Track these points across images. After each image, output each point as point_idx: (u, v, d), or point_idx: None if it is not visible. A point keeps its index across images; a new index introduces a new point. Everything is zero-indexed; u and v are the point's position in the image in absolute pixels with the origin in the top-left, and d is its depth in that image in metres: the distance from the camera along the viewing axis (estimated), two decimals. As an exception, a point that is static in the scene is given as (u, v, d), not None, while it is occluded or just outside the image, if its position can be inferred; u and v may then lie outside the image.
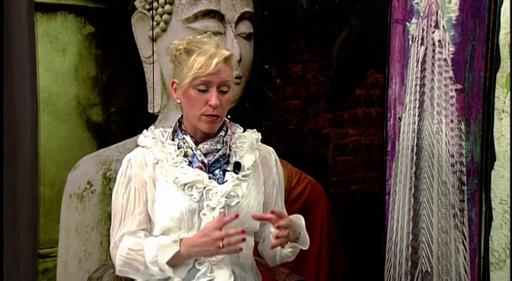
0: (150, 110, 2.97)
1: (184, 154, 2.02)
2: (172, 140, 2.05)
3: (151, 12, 2.94)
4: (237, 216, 1.89)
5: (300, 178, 3.10)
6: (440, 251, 2.38)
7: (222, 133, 2.04)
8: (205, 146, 2.02)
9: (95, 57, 2.90)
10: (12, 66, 2.61)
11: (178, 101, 2.02)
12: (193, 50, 1.96)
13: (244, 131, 2.11)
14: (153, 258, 1.92)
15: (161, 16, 2.95)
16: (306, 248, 2.05)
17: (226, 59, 1.96)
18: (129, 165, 2.03)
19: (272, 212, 1.93)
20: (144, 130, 2.09)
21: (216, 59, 1.93)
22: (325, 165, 3.19)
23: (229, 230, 1.87)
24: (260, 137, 2.11)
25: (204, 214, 1.96)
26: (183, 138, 2.03)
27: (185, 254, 1.91)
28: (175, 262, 1.92)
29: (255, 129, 2.12)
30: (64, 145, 2.85)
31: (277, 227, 1.92)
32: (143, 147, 2.06)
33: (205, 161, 2.01)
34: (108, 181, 2.91)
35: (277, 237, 1.93)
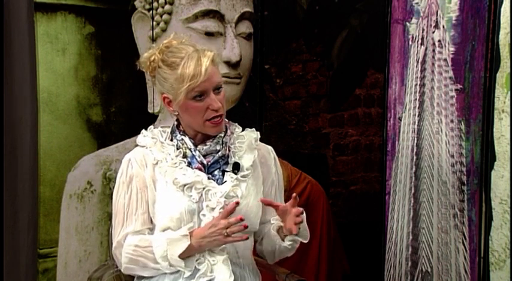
0: (150, 110, 2.97)
1: (183, 155, 2.02)
2: (171, 140, 2.05)
3: (151, 12, 2.94)
4: (239, 216, 1.88)
5: (300, 178, 3.10)
6: (440, 251, 2.38)
7: (222, 134, 2.04)
8: (204, 147, 2.01)
9: (95, 57, 2.90)
10: (12, 66, 2.61)
11: (176, 113, 2.01)
12: (175, 62, 1.93)
13: (243, 130, 2.11)
14: (163, 253, 1.92)
15: (161, 16, 2.95)
16: (306, 241, 2.05)
17: (212, 59, 1.94)
18: (130, 165, 2.02)
19: (295, 196, 1.93)
20: (143, 130, 2.09)
21: (204, 63, 1.91)
22: (325, 165, 3.19)
23: (230, 218, 1.88)
24: (259, 136, 2.10)
25: (204, 215, 1.97)
26: (182, 139, 2.03)
27: (196, 246, 1.92)
28: (185, 255, 1.93)
29: (253, 129, 2.11)
30: (64, 145, 2.85)
31: (296, 215, 1.92)
32: (142, 147, 2.06)
33: (205, 162, 2.01)
34: (108, 181, 2.91)
35: (295, 223, 1.92)
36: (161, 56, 1.97)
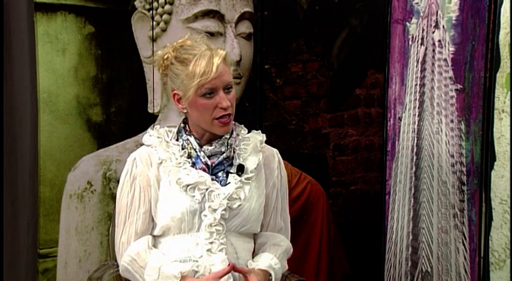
0: (150, 110, 2.97)
1: (188, 155, 2.02)
2: (177, 140, 2.05)
3: (151, 12, 2.94)
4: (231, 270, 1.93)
5: (300, 178, 3.10)
6: (440, 251, 2.38)
7: (227, 135, 2.04)
8: (209, 148, 2.02)
9: (95, 57, 2.90)
10: (12, 66, 2.60)
11: (185, 110, 2.02)
12: (188, 59, 1.95)
13: (248, 132, 2.11)
14: None
15: (161, 16, 2.95)
16: None
17: (224, 58, 1.96)
18: (135, 164, 2.03)
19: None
20: (149, 129, 2.09)
21: (216, 61, 1.93)
22: (325, 165, 3.19)
23: None
24: (264, 139, 2.11)
25: (205, 215, 1.97)
26: (187, 139, 2.03)
27: None
28: None
29: (259, 131, 2.12)
30: (64, 145, 2.85)
31: None
32: (148, 146, 2.06)
33: (209, 163, 2.01)
34: (108, 181, 2.91)
35: None
36: (174, 54, 1.98)
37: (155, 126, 2.10)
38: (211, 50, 1.96)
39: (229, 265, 1.93)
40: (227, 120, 1.98)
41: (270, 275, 2.02)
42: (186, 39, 2.02)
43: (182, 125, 2.07)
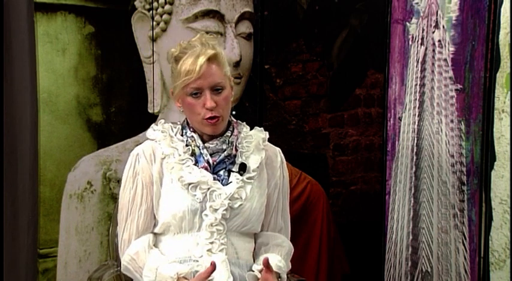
0: (150, 110, 2.97)
1: (191, 152, 2.01)
2: (182, 135, 2.05)
3: (151, 12, 2.94)
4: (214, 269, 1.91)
5: (300, 178, 3.10)
6: (440, 251, 2.38)
7: (228, 133, 2.03)
8: (211, 145, 2.01)
9: (95, 57, 2.90)
10: (12, 66, 2.60)
11: (181, 109, 2.02)
12: (181, 57, 1.96)
13: (251, 129, 2.11)
14: None
15: (161, 16, 2.95)
16: None
17: (210, 59, 1.94)
18: (137, 159, 2.03)
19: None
20: (153, 124, 2.09)
21: (200, 60, 1.91)
22: (325, 165, 3.19)
23: None
24: (267, 137, 2.10)
25: (206, 215, 1.97)
26: (192, 136, 2.02)
27: None
28: None
29: (262, 128, 2.11)
30: (64, 145, 2.85)
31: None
32: (152, 140, 2.06)
33: (211, 161, 2.00)
34: (108, 181, 2.91)
35: None
36: (177, 52, 2.00)
37: (160, 121, 2.09)
38: (201, 49, 1.95)
39: (211, 264, 1.91)
40: (214, 121, 1.96)
41: (279, 276, 2.02)
42: (198, 37, 2.01)
43: (186, 121, 2.07)
